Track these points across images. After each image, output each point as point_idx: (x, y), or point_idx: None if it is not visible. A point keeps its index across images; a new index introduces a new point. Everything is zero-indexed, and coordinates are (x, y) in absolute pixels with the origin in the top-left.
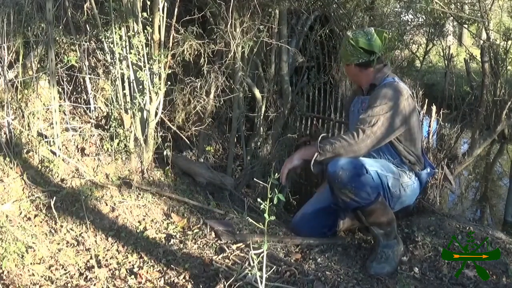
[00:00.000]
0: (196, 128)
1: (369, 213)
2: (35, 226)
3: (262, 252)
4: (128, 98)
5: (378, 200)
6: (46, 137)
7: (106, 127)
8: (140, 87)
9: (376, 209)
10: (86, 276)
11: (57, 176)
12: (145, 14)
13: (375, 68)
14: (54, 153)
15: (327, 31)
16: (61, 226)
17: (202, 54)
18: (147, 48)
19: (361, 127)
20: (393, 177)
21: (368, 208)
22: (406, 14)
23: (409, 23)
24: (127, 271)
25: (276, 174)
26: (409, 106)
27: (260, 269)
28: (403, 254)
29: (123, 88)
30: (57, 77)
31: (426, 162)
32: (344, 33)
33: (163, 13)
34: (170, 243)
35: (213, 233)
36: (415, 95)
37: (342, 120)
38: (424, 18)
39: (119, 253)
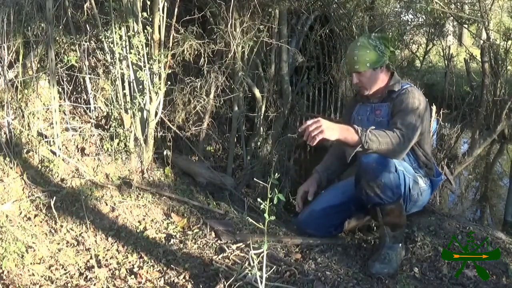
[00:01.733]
0: (196, 128)
1: (387, 212)
2: (35, 226)
3: (262, 252)
4: (128, 98)
5: (398, 201)
6: (46, 137)
7: (106, 127)
8: (140, 87)
9: (395, 210)
10: (86, 276)
11: (57, 176)
12: (145, 14)
13: (391, 72)
14: (54, 153)
15: (327, 31)
16: (61, 226)
17: (202, 54)
18: (147, 48)
19: (405, 132)
20: (413, 180)
21: (388, 206)
22: (406, 14)
23: (409, 23)
24: (127, 271)
25: (277, 174)
26: (428, 111)
27: (260, 269)
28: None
29: (123, 88)
30: (57, 77)
31: (435, 168)
32: (344, 33)
33: (163, 13)
34: (170, 243)
35: (213, 233)
36: None
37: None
38: (424, 18)
39: (119, 253)
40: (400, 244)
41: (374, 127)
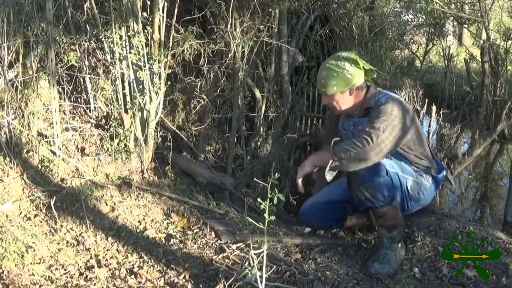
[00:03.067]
0: (196, 128)
1: (380, 215)
2: (35, 226)
3: (262, 252)
4: (128, 98)
5: (391, 204)
6: (46, 137)
7: (106, 127)
8: (140, 87)
9: (388, 212)
10: (86, 276)
11: (57, 176)
12: (145, 14)
13: (369, 89)
14: (54, 153)
15: (327, 31)
16: (61, 226)
17: (202, 54)
18: (147, 48)
19: (373, 133)
20: (412, 180)
21: (380, 209)
22: (406, 14)
23: (409, 23)
24: (127, 271)
25: (277, 174)
26: (410, 111)
27: (260, 269)
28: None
29: (123, 88)
30: (57, 77)
31: (438, 164)
32: (344, 33)
33: (163, 13)
34: (170, 243)
35: (213, 233)
36: (415, 95)
37: None
38: (424, 18)
39: (119, 253)
40: (399, 244)
41: (339, 140)
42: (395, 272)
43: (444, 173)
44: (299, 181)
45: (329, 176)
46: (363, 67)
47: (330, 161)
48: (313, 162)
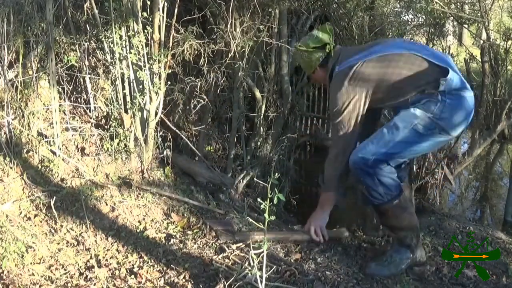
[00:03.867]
0: (196, 128)
1: (382, 212)
2: (35, 226)
3: (262, 252)
4: (128, 98)
5: (392, 202)
6: (46, 136)
7: (106, 127)
8: (140, 87)
9: (388, 210)
10: (86, 276)
11: (57, 176)
12: (145, 14)
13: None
14: (54, 153)
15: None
16: (61, 226)
17: (202, 54)
18: (147, 48)
19: (334, 139)
20: (419, 123)
21: (381, 207)
22: (406, 14)
23: (409, 23)
24: (127, 271)
25: (277, 174)
26: (356, 78)
27: (260, 269)
28: (415, 264)
29: (123, 88)
30: (57, 77)
31: (433, 74)
32: (344, 33)
33: (163, 12)
34: (170, 243)
35: (213, 233)
36: None
37: None
38: (424, 18)
39: (119, 253)
40: (408, 248)
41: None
42: (393, 275)
43: (450, 73)
44: (319, 233)
45: (340, 201)
46: (313, 47)
47: (328, 195)
48: (324, 209)
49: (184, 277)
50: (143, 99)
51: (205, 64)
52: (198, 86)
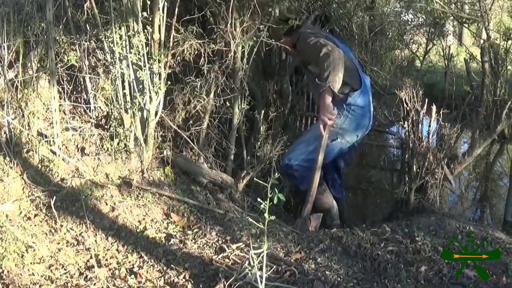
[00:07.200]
0: (196, 128)
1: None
2: (35, 225)
3: (262, 252)
4: (128, 98)
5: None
6: (46, 136)
7: (106, 126)
8: (140, 86)
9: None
10: (86, 276)
11: (57, 176)
12: (145, 14)
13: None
14: (54, 153)
15: (327, 31)
16: (61, 226)
17: (202, 54)
18: (147, 48)
19: (329, 60)
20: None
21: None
22: (406, 14)
23: (409, 22)
24: (127, 271)
25: (277, 173)
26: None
27: (260, 269)
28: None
29: (123, 88)
30: (57, 76)
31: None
32: (344, 33)
33: (163, 12)
34: (170, 243)
35: (213, 233)
36: (415, 95)
37: None
38: (424, 18)
39: (119, 253)
40: None
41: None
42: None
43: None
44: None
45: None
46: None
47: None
48: (324, 101)
49: (184, 277)
50: (143, 99)
51: (205, 64)
52: (198, 86)
